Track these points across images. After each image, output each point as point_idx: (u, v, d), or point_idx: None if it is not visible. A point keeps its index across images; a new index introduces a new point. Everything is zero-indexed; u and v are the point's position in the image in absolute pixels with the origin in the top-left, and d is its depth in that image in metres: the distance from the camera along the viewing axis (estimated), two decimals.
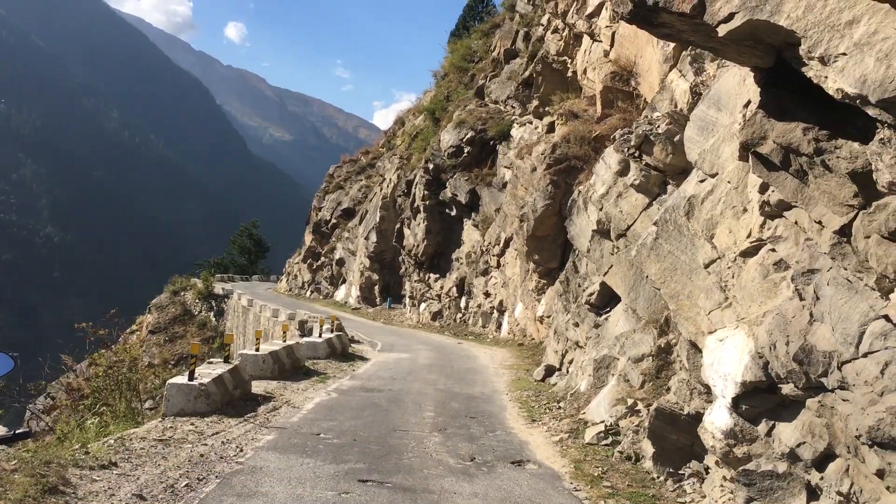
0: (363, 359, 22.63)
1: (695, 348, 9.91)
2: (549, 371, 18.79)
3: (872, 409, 6.55)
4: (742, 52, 7.35)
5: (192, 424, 11.27)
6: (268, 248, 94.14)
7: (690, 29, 7.32)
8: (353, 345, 25.56)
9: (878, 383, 6.55)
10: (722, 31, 6.77)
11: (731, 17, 6.67)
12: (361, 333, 30.15)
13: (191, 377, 12.49)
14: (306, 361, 19.38)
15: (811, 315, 7.29)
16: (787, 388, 7.61)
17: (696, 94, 13.74)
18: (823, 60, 6.09)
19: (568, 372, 17.56)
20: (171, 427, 11.01)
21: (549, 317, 24.16)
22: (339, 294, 55.22)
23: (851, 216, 6.61)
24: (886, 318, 6.48)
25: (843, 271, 6.87)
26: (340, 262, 55.89)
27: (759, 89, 7.74)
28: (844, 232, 6.72)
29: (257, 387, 15.04)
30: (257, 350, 17.16)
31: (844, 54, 5.91)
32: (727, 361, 8.27)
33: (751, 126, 7.35)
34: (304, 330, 25.79)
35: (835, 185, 6.67)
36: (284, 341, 19.59)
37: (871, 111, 5.80)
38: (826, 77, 6.11)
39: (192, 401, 12.01)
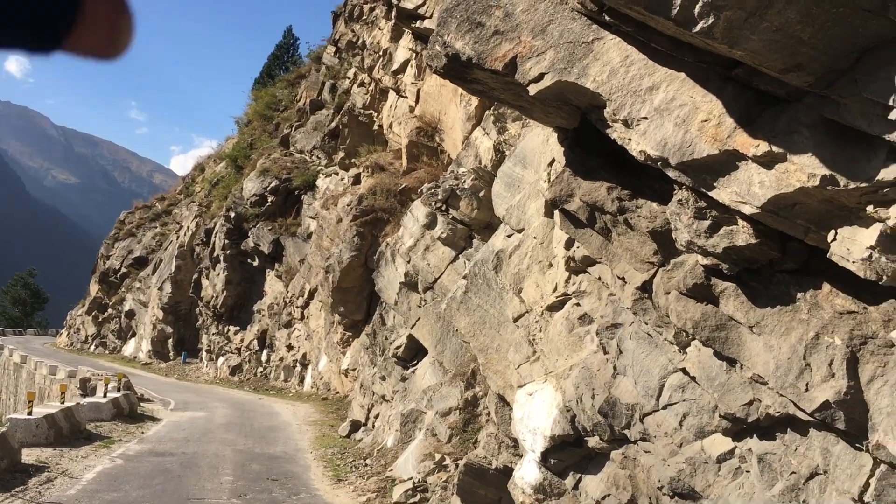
0: (154, 419, 20.95)
1: (503, 402, 9.95)
2: (355, 426, 18.31)
3: (673, 460, 6.77)
4: (549, 111, 7.55)
5: None
6: (46, 299, 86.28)
7: (502, 87, 7.43)
8: (142, 404, 23.65)
9: (678, 434, 6.79)
10: (532, 90, 6.91)
11: (541, 77, 6.83)
12: (152, 391, 28.05)
13: None
14: (88, 424, 17.59)
15: (615, 368, 7.49)
16: (593, 441, 7.74)
17: (499, 152, 14.17)
18: (627, 123, 6.34)
19: (374, 427, 17.19)
20: None
21: (354, 370, 23.73)
22: (129, 348, 51.43)
23: (652, 273, 6.89)
24: (684, 370, 6.77)
25: (645, 326, 7.12)
26: (130, 314, 52.22)
27: (562, 149, 7.99)
28: (646, 288, 6.99)
29: (29, 455, 13.36)
30: (30, 413, 15.32)
31: (646, 118, 6.19)
32: (536, 416, 8.32)
33: (559, 184, 7.54)
34: (87, 389, 23.54)
35: (636, 242, 6.94)
36: (63, 402, 17.70)
37: (671, 173, 6.08)
38: (629, 139, 6.36)
39: None
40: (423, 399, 14.06)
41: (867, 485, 5.15)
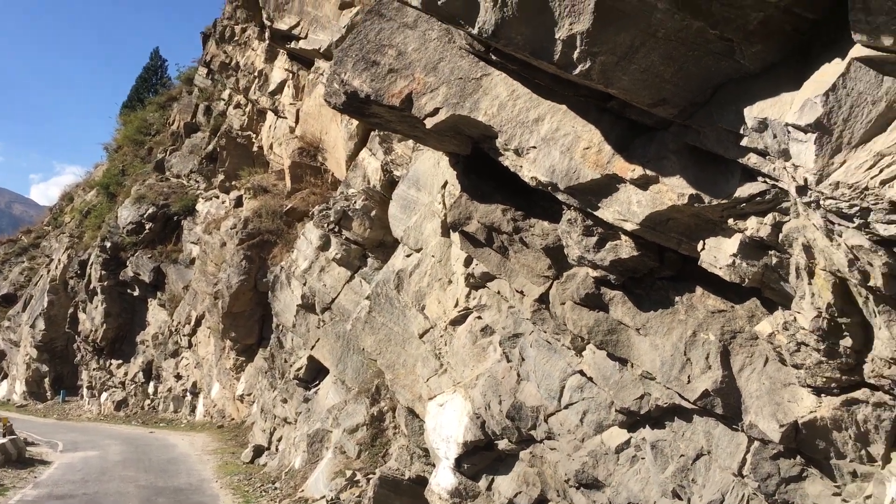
0: (45, 462, 20.13)
1: (413, 415, 10.43)
2: (259, 451, 18.30)
3: (576, 455, 7.45)
4: (443, 140, 8.11)
5: None
6: None
7: (398, 119, 7.93)
8: (28, 447, 22.64)
9: (579, 430, 7.48)
10: (429, 123, 7.44)
11: (436, 111, 7.37)
12: (35, 434, 26.75)
13: None
14: None
15: (518, 375, 8.13)
16: (502, 444, 8.34)
17: (387, 172, 14.65)
18: (518, 152, 6.98)
19: (279, 450, 17.27)
20: None
21: (250, 395, 23.58)
22: (1, 391, 48.60)
23: (548, 286, 7.56)
24: (581, 372, 7.46)
25: (544, 334, 7.79)
26: (1, 355, 49.36)
27: (455, 173, 8.57)
28: (543, 299, 7.65)
29: None
30: None
31: (535, 147, 6.84)
32: (448, 425, 8.85)
33: (457, 208, 8.11)
34: None
35: (532, 258, 7.60)
36: None
37: (560, 196, 6.75)
38: (521, 166, 7.00)
39: None
40: (329, 418, 14.33)
41: (744, 460, 5.96)
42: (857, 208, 4.89)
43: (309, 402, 16.37)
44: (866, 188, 4.82)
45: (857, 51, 4.84)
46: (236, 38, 30.63)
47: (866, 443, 5.31)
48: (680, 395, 6.33)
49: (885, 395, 5.23)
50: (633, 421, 6.93)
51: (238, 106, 30.21)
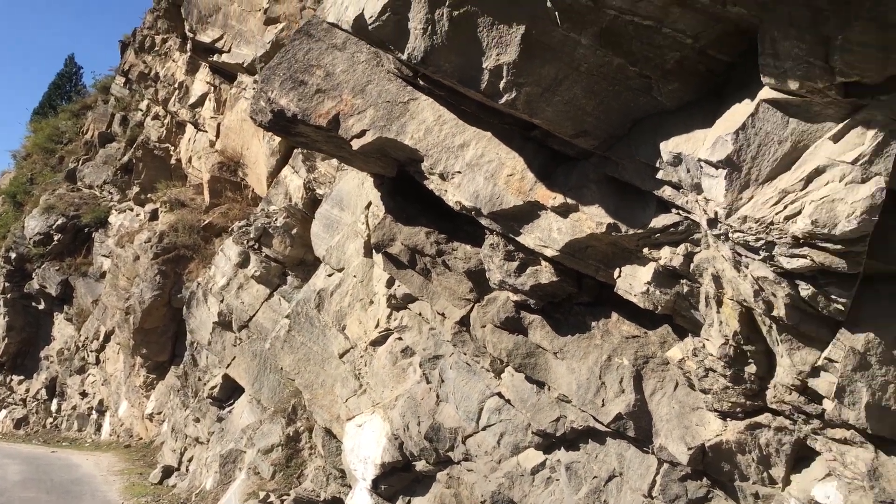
0: None
1: (330, 435, 10.35)
2: (168, 472, 17.76)
3: (493, 476, 7.54)
4: (369, 161, 8.17)
5: None
6: None
7: (325, 140, 7.95)
8: None
9: (496, 452, 7.58)
10: (355, 145, 7.49)
11: (363, 133, 7.43)
12: None
13: None
14: None
15: (438, 396, 8.19)
16: (420, 465, 8.37)
17: (309, 190, 14.57)
18: (443, 176, 7.09)
19: (189, 471, 16.81)
20: None
21: (160, 413, 22.90)
22: None
23: (469, 308, 7.67)
24: (500, 395, 7.58)
25: (464, 356, 7.88)
26: None
27: (380, 194, 8.63)
28: (464, 322, 7.75)
29: None
30: None
31: (460, 172, 6.96)
32: (367, 445, 8.83)
33: (380, 230, 8.16)
34: None
35: (454, 281, 7.70)
36: None
37: (483, 221, 6.89)
38: (446, 191, 7.11)
39: None
40: (243, 438, 14.06)
41: (654, 482, 6.16)
42: (762, 242, 5.16)
43: (223, 421, 16.02)
44: (771, 223, 5.10)
45: (766, 93, 5.15)
46: (157, 48, 29.99)
47: (768, 465, 5.57)
48: (594, 417, 6.51)
49: (785, 419, 5.51)
50: (548, 443, 7.07)
51: (156, 117, 29.55)
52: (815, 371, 5.22)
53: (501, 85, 5.83)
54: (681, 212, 5.89)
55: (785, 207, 5.09)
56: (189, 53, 25.99)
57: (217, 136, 24.28)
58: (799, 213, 5.01)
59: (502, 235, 6.90)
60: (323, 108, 7.59)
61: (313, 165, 14.88)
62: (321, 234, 11.07)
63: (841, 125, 4.96)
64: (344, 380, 9.83)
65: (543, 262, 6.79)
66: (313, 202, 13.84)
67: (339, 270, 10.39)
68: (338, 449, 9.90)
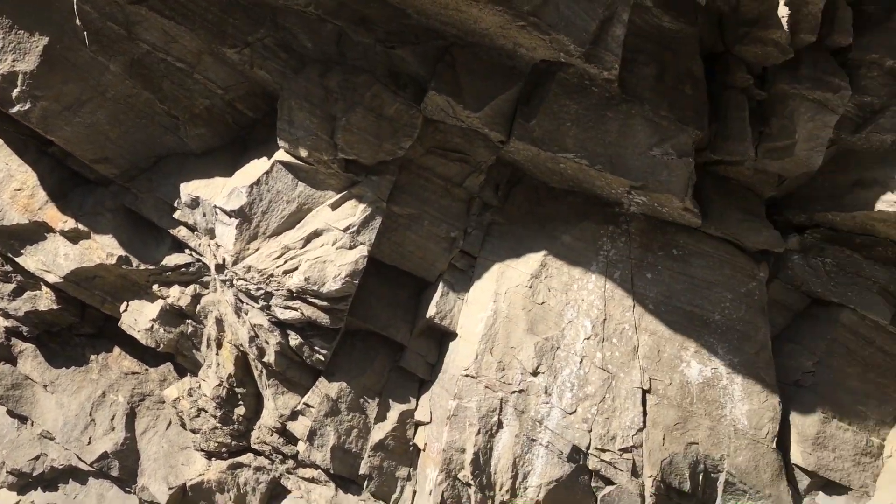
0: None
1: None
2: None
3: None
4: None
5: None
6: None
7: None
8: None
9: None
10: None
11: None
12: None
13: None
14: None
15: None
16: None
17: None
18: None
19: None
20: None
21: None
22: None
23: None
24: None
25: None
26: None
27: None
28: None
29: None
30: None
31: None
32: None
33: None
34: None
35: None
36: None
37: None
38: None
39: None
40: None
41: None
42: (262, 291, 5.51)
43: None
44: (272, 275, 5.49)
45: (281, 155, 5.58)
46: None
47: None
48: (78, 456, 6.18)
49: (265, 459, 5.86)
50: (24, 482, 6.50)
51: None
52: (294, 415, 5.68)
53: (14, 93, 5.41)
54: (194, 253, 6.02)
55: (285, 262, 5.52)
56: None
57: None
58: (296, 268, 5.48)
59: (0, 254, 6.30)
60: None
61: None
62: None
63: (339, 195, 5.58)
64: None
65: (45, 288, 6.34)
66: None
67: None
68: None
